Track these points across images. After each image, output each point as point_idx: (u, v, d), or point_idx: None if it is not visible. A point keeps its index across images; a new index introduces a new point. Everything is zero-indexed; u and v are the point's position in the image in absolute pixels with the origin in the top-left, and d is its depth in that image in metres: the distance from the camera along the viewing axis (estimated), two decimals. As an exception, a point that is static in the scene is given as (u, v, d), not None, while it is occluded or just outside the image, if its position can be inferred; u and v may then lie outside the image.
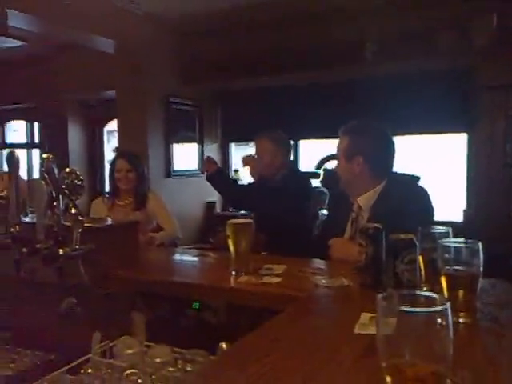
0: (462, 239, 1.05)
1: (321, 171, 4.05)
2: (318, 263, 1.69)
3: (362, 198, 1.85)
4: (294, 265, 1.57)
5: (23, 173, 5.75)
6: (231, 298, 1.36)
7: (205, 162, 3.19)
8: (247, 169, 2.96)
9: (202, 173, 3.07)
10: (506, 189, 3.61)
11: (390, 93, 4.06)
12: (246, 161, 2.95)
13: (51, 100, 5.27)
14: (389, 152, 1.89)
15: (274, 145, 2.90)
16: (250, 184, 3.04)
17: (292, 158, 4.49)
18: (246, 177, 3.64)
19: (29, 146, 6.04)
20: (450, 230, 1.18)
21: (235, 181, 3.31)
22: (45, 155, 1.33)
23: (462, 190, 4.00)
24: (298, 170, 3.29)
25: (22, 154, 6.02)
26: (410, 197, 1.77)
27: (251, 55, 4.21)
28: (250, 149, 5.05)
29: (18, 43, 4.41)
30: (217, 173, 2.97)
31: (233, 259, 1.51)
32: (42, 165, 1.34)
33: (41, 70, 5.13)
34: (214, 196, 5.11)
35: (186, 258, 1.97)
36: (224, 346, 1.08)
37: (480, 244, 1.01)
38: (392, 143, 1.91)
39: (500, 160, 3.67)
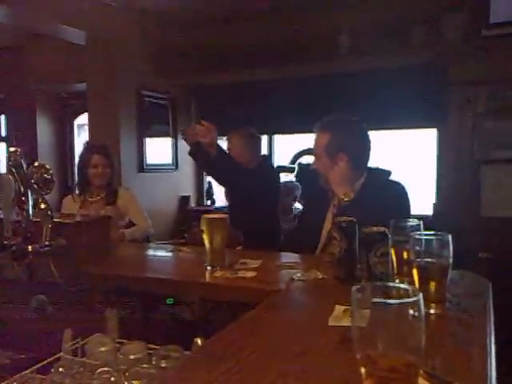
0: (432, 232, 1.07)
1: (295, 166, 4.07)
2: (293, 257, 1.70)
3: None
4: (269, 259, 1.57)
5: (-11, 167, 5.57)
6: (206, 293, 1.36)
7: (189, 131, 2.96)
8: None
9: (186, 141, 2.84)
10: (474, 183, 3.71)
11: (362, 88, 4.10)
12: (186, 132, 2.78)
13: (19, 92, 5.12)
14: (369, 147, 1.92)
15: (243, 141, 3.03)
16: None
17: (267, 153, 4.53)
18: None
19: (-5, 139, 5.85)
20: (421, 222, 1.20)
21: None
22: (12, 149, 1.29)
23: (432, 184, 4.10)
24: (270, 164, 3.32)
25: (-13, 147, 5.83)
26: (389, 191, 1.80)
27: (225, 49, 4.18)
28: (224, 142, 5.04)
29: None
30: (197, 145, 2.77)
31: (208, 254, 1.50)
32: (9, 159, 1.29)
33: (9, 60, 4.97)
34: (189, 190, 5.08)
35: (159, 253, 1.95)
36: (199, 341, 1.08)
37: (450, 236, 1.03)
38: (369, 138, 1.93)
39: (468, 155, 3.77)
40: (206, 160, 2.86)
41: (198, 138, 2.61)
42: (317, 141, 1.92)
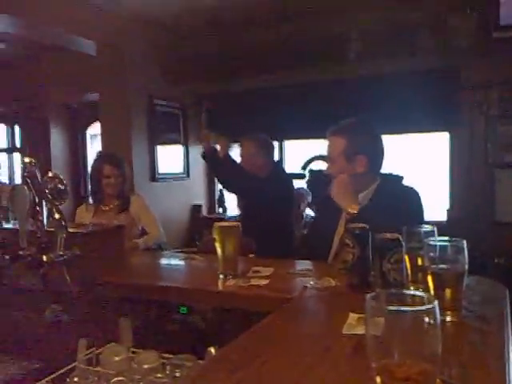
0: (446, 238, 1.05)
1: (306, 172, 4.06)
2: (306, 264, 1.69)
3: (359, 196, 1.84)
4: (282, 267, 1.56)
5: (4, 178, 5.65)
6: (219, 302, 1.36)
7: (203, 135, 3.08)
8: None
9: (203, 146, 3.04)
10: (488, 187, 3.67)
11: (373, 93, 4.09)
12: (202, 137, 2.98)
13: (33, 103, 5.20)
14: (383, 150, 1.91)
15: (255, 146, 3.01)
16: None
17: (277, 159, 4.54)
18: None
19: (10, 150, 5.94)
20: (435, 228, 1.19)
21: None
22: (27, 159, 1.31)
23: (445, 189, 4.05)
24: (283, 171, 3.31)
25: (2, 158, 5.92)
26: (404, 196, 1.79)
27: (236, 56, 4.21)
28: (237, 150, 5.05)
29: (-2, 45, 4.35)
30: (212, 151, 2.99)
31: (220, 262, 1.50)
32: (24, 169, 1.31)
33: (22, 72, 5.06)
34: (201, 199, 5.10)
35: (172, 261, 1.96)
36: (212, 350, 1.08)
37: (464, 242, 1.02)
38: (382, 140, 1.93)
39: (481, 159, 3.73)
40: (217, 164, 2.96)
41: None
42: (332, 146, 1.89)
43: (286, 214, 3.03)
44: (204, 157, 3.06)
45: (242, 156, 3.04)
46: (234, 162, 3.03)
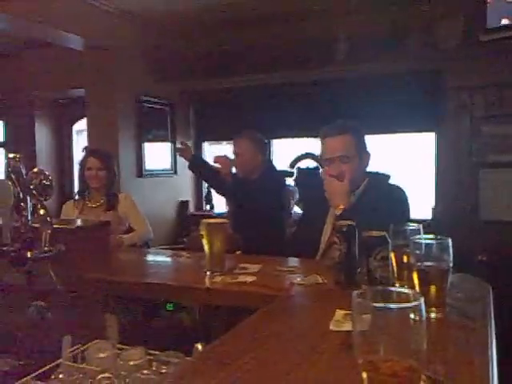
0: (432, 236, 1.07)
1: (294, 170, 4.07)
2: (293, 261, 1.70)
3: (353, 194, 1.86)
4: (269, 264, 1.57)
5: (-12, 173, 5.56)
6: (206, 299, 1.35)
7: (180, 148, 3.24)
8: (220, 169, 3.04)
9: (180, 155, 3.28)
10: (473, 187, 3.72)
11: (360, 93, 4.12)
12: (217, 160, 3.02)
13: (18, 98, 5.12)
14: None
15: (254, 145, 3.00)
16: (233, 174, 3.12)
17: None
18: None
19: (-6, 145, 5.84)
20: (421, 226, 1.20)
21: (213, 167, 3.28)
22: (11, 155, 1.29)
23: (430, 188, 4.10)
24: (275, 168, 3.34)
25: (-14, 153, 5.82)
26: (391, 195, 1.81)
27: (224, 55, 4.20)
28: (224, 147, 5.04)
29: (-19, 39, 4.27)
30: (193, 158, 3.17)
31: (207, 259, 1.50)
32: (8, 165, 1.29)
33: (7, 67, 4.97)
34: (188, 195, 5.07)
35: (159, 258, 1.95)
36: (199, 346, 1.08)
37: (449, 240, 1.03)
38: None
39: (466, 159, 3.78)
40: (205, 173, 3.06)
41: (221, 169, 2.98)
42: (343, 144, 1.86)
43: (278, 211, 3.03)
44: (191, 168, 3.20)
45: (237, 154, 2.99)
46: (212, 168, 3.15)
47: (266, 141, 3.25)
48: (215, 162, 3.02)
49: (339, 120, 1.94)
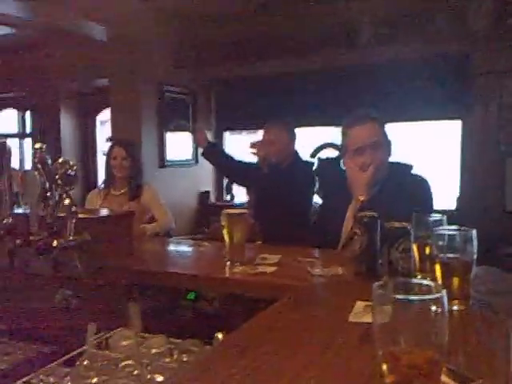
0: (455, 227, 1.05)
1: (315, 160, 4.04)
2: (313, 252, 1.69)
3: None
4: (289, 254, 1.57)
5: (15, 163, 5.70)
6: (226, 288, 1.36)
7: (195, 132, 3.21)
8: (253, 154, 2.96)
9: (197, 145, 3.20)
10: (500, 176, 3.63)
11: (385, 79, 4.04)
12: (254, 145, 2.94)
13: (43, 89, 5.21)
14: None
15: (289, 133, 2.94)
16: (252, 164, 3.06)
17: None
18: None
19: (20, 135, 5.98)
20: (445, 217, 1.18)
21: (230, 155, 3.26)
22: (37, 145, 1.31)
23: (456, 177, 4.02)
24: (303, 159, 3.29)
25: (13, 143, 5.96)
26: (413, 185, 1.79)
27: (245, 42, 4.17)
28: (244, 137, 5.04)
29: (7, 30, 4.35)
30: (209, 146, 3.08)
31: (227, 249, 1.51)
32: (34, 155, 1.32)
33: (32, 57, 5.06)
34: (208, 186, 5.10)
35: (180, 248, 1.97)
36: (220, 335, 1.09)
37: (474, 231, 1.01)
38: None
39: (494, 147, 3.68)
40: (220, 162, 3.02)
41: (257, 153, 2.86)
42: (372, 132, 1.82)
43: (305, 201, 2.97)
44: (204, 154, 3.12)
45: (270, 142, 2.89)
46: (229, 157, 3.12)
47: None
48: (251, 147, 2.96)
49: (360, 109, 1.91)
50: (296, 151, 3.08)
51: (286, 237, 2.10)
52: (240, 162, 3.17)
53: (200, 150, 3.56)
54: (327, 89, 4.35)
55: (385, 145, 1.85)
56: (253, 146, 2.94)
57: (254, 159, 3.02)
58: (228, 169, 3.22)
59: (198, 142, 3.15)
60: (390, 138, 1.90)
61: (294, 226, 2.71)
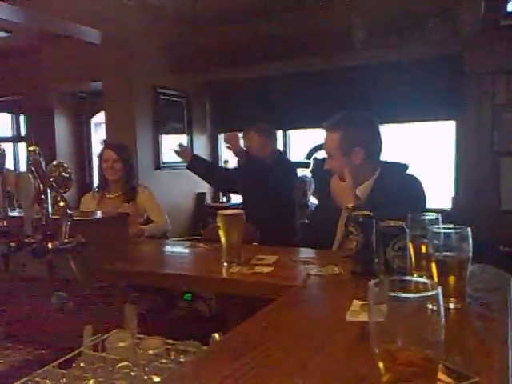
0: (451, 225, 1.05)
1: (310, 161, 4.06)
2: (310, 252, 1.69)
3: (359, 188, 1.84)
4: (286, 254, 1.57)
5: (10, 167, 5.68)
6: (223, 289, 1.36)
7: (179, 150, 3.24)
8: (227, 148, 3.01)
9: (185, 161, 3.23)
10: (494, 176, 3.65)
11: (378, 81, 4.06)
12: (228, 138, 3.01)
13: (37, 92, 5.19)
14: (381, 140, 1.90)
15: (262, 136, 3.08)
16: (236, 168, 3.21)
17: (282, 149, 4.54)
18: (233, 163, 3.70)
19: (15, 139, 5.96)
20: (440, 216, 1.18)
21: (215, 165, 3.39)
22: (31, 148, 1.31)
23: (450, 177, 4.04)
24: (287, 159, 3.40)
25: (8, 147, 5.94)
26: (404, 184, 1.79)
27: (239, 45, 4.18)
28: (240, 140, 5.03)
29: (2, 34, 4.34)
30: (193, 159, 3.18)
31: (224, 250, 1.51)
32: (28, 158, 1.31)
33: (26, 61, 5.05)
34: (205, 187, 5.10)
35: (177, 249, 1.97)
36: (217, 336, 1.08)
37: (469, 230, 1.02)
38: (379, 129, 1.92)
39: (487, 147, 3.70)
40: (204, 171, 3.07)
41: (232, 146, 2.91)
42: (328, 141, 1.90)
43: (289, 202, 3.06)
44: (189, 168, 3.20)
45: (246, 146, 3.06)
46: (213, 167, 3.25)
47: (281, 132, 3.29)
48: (225, 140, 3.03)
49: (341, 112, 1.90)
50: (278, 150, 3.22)
51: (275, 234, 2.13)
52: (226, 169, 3.30)
53: (198, 150, 3.60)
54: (322, 91, 4.36)
55: (341, 153, 1.84)
56: (226, 139, 3.02)
57: (229, 154, 3.13)
58: (212, 176, 3.33)
59: (185, 158, 3.23)
60: (361, 144, 1.85)
61: (281, 221, 2.87)
